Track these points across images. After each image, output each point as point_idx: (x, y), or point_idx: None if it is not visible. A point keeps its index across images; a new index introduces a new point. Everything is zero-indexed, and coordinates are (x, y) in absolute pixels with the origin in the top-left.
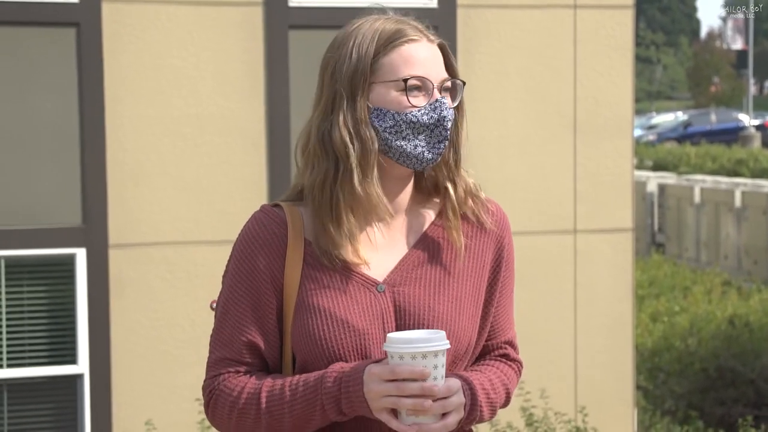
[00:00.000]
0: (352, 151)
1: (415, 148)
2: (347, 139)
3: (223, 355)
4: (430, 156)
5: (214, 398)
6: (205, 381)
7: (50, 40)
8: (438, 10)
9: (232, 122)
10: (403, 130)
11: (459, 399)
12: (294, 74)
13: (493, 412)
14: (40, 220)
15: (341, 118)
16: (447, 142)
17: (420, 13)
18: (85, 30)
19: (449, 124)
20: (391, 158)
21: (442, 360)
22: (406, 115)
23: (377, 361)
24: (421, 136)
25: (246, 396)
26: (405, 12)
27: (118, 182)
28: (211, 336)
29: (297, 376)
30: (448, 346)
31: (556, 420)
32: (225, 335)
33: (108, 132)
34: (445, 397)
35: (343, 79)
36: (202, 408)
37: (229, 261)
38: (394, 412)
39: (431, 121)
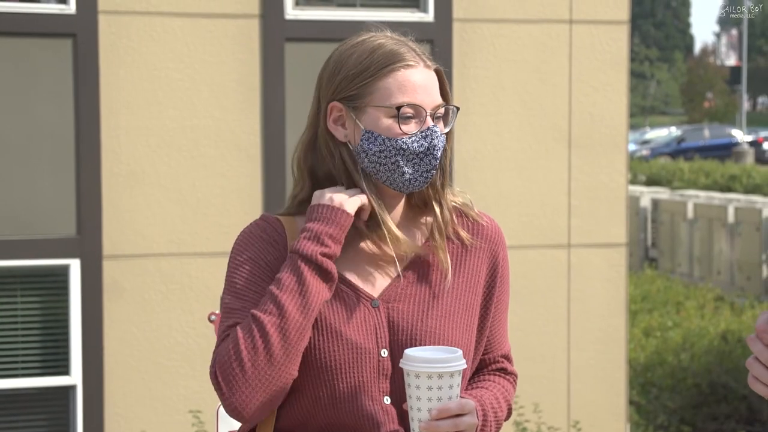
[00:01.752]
0: (306, 161)
1: (403, 174)
2: (308, 151)
3: (227, 324)
4: (417, 183)
5: (218, 359)
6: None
7: (47, 51)
8: (434, 24)
9: (228, 134)
10: (392, 156)
11: (472, 419)
12: (290, 87)
13: (498, 430)
14: (34, 230)
15: (316, 136)
16: (435, 170)
17: (416, 27)
18: (82, 41)
19: (439, 153)
20: (379, 180)
21: (458, 380)
22: (396, 141)
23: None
24: (410, 164)
25: (242, 327)
26: (404, 31)
27: (113, 193)
28: (218, 333)
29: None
30: (465, 366)
31: None
32: (233, 308)
33: (103, 143)
34: (458, 415)
35: (328, 96)
36: (195, 420)
37: (230, 261)
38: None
39: (421, 149)
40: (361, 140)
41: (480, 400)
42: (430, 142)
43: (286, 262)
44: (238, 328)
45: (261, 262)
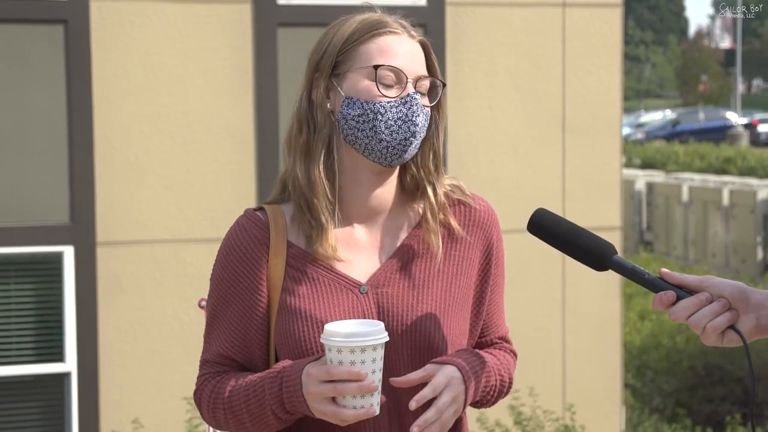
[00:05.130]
0: (300, 136)
1: (380, 142)
2: (302, 124)
3: (208, 358)
4: (395, 152)
5: (198, 397)
6: (196, 379)
7: (38, 38)
8: (427, 8)
9: (221, 120)
10: (369, 120)
11: (450, 395)
12: (283, 72)
13: (499, 394)
14: (28, 217)
15: (302, 106)
16: (415, 140)
17: (409, 11)
18: (74, 27)
19: (418, 120)
20: (357, 150)
21: (381, 353)
22: (374, 104)
23: (317, 358)
24: (387, 130)
25: (215, 395)
26: (393, 11)
27: (106, 180)
28: (204, 337)
29: (258, 374)
30: (387, 339)
31: (545, 418)
32: (211, 341)
33: (96, 129)
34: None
35: (314, 67)
36: (189, 406)
37: (214, 267)
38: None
39: (399, 115)
40: (341, 106)
41: (478, 357)
42: (409, 108)
43: (255, 389)
44: (212, 398)
45: (240, 282)
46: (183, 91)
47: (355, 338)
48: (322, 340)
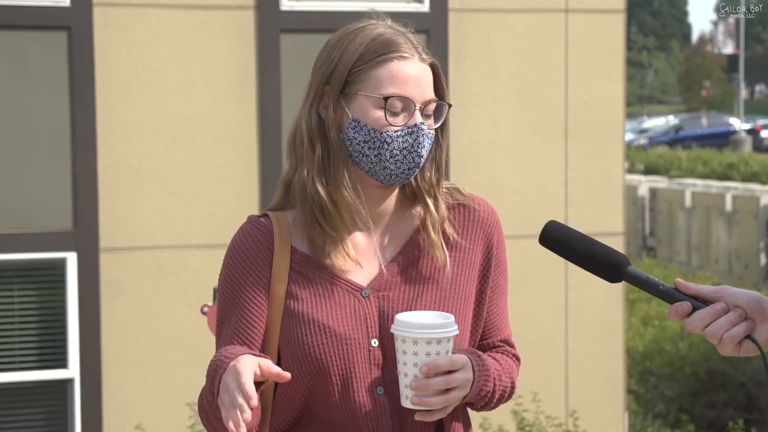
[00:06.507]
0: (312, 153)
1: (384, 168)
2: (314, 141)
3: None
4: (398, 179)
5: (199, 403)
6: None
7: (42, 44)
8: (429, 15)
9: (224, 126)
10: (375, 148)
11: (465, 375)
12: (286, 78)
13: (501, 398)
14: (31, 224)
15: (312, 118)
16: (418, 168)
17: (411, 18)
18: (77, 34)
19: (423, 151)
20: (362, 170)
21: (451, 345)
22: (381, 133)
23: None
24: (392, 159)
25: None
26: (405, 23)
27: (109, 186)
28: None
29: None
30: (458, 332)
31: (548, 423)
32: (218, 348)
33: (99, 135)
34: (449, 372)
35: (324, 80)
36: (192, 412)
37: (220, 274)
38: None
39: (405, 145)
40: (348, 128)
41: (480, 357)
42: (415, 139)
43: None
44: (205, 389)
45: (245, 290)
46: (186, 97)
47: (430, 330)
48: (392, 331)
